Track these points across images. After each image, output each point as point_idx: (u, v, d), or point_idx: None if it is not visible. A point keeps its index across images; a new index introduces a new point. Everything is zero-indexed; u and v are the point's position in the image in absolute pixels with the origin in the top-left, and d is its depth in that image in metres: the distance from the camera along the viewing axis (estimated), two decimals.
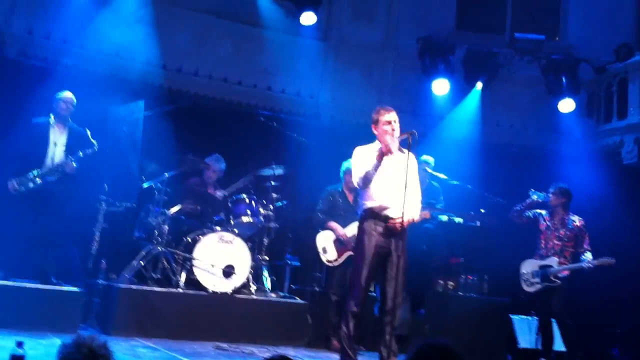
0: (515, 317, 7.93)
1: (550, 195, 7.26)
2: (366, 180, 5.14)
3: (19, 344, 3.13)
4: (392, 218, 5.12)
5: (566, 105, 9.85)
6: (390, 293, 5.07)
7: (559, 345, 7.21)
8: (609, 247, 7.31)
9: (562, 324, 7.00)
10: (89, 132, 6.57)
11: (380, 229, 5.14)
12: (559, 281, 7.01)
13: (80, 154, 6.47)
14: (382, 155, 5.08)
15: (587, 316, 8.17)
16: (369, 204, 5.21)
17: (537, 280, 7.13)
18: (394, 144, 5.13)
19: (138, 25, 8.35)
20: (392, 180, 5.18)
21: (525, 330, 7.84)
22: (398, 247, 5.11)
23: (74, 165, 6.46)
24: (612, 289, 8.33)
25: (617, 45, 10.12)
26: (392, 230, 5.12)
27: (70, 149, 6.54)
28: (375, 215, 5.16)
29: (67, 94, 6.69)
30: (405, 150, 5.22)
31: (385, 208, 5.15)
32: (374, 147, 5.30)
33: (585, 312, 8.07)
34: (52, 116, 6.62)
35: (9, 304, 5.74)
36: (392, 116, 5.26)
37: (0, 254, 6.33)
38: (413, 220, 5.27)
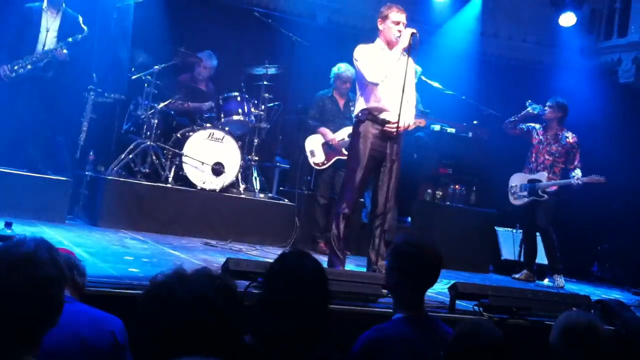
0: (499, 229, 8.02)
1: (547, 108, 7.19)
2: (381, 73, 4.99)
3: (8, 224, 3.09)
4: (389, 121, 5.04)
5: (567, 18, 9.59)
6: (382, 198, 5.05)
7: (541, 258, 7.34)
8: (599, 165, 7.33)
9: (546, 237, 7.10)
10: (81, 18, 6.31)
11: (376, 132, 5.06)
12: (546, 196, 7.05)
13: (70, 39, 6.25)
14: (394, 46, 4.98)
15: (571, 232, 8.29)
16: (368, 104, 5.10)
17: (524, 193, 7.18)
18: (401, 43, 5.00)
19: None
20: (391, 84, 5.07)
21: (509, 242, 7.96)
22: (393, 152, 5.05)
23: (65, 51, 6.25)
24: (599, 207, 8.42)
25: None
26: (388, 134, 5.05)
27: (62, 36, 6.30)
28: (373, 117, 5.07)
29: None
30: (405, 54, 5.08)
31: (383, 110, 5.07)
32: (376, 46, 5.15)
33: (570, 227, 8.18)
34: (45, 1, 6.34)
35: None
36: (402, 17, 5.10)
37: None
38: (409, 126, 5.21)
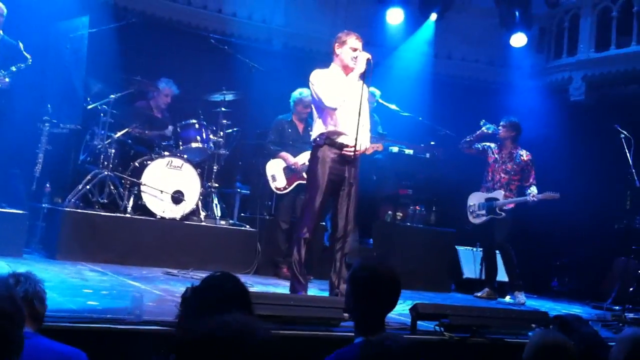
0: (460, 248, 8.11)
1: (500, 127, 7.34)
2: (339, 98, 5.02)
3: None
4: (347, 145, 5.08)
5: (518, 39, 9.86)
6: (342, 221, 5.06)
7: (501, 275, 7.44)
8: (552, 181, 7.47)
9: (505, 254, 7.22)
10: (21, 45, 6.22)
11: (334, 156, 5.09)
12: (503, 213, 7.18)
13: (13, 68, 6.15)
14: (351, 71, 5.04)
15: (529, 248, 8.43)
16: (326, 129, 5.14)
17: (482, 212, 7.30)
18: (358, 68, 5.06)
19: None
20: (348, 108, 5.10)
21: (469, 261, 8.04)
22: (351, 175, 5.08)
23: (7, 80, 6.15)
24: (554, 223, 8.57)
25: None
26: (346, 158, 5.09)
27: (2, 63, 6.20)
28: (331, 141, 5.10)
29: None
30: (360, 79, 5.15)
31: (341, 134, 5.10)
32: (332, 71, 5.20)
33: (528, 243, 8.32)
34: None
35: None
36: (360, 45, 5.15)
37: None
38: (366, 149, 5.26)
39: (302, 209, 5.47)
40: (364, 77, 5.11)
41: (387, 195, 7.80)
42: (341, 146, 5.09)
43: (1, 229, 5.76)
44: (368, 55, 5.07)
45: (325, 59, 9.54)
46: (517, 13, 9.94)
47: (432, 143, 7.97)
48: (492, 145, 7.44)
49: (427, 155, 7.87)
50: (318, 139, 5.17)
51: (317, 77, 5.17)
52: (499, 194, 7.23)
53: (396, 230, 7.65)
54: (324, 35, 9.82)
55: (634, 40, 9.07)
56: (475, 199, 7.41)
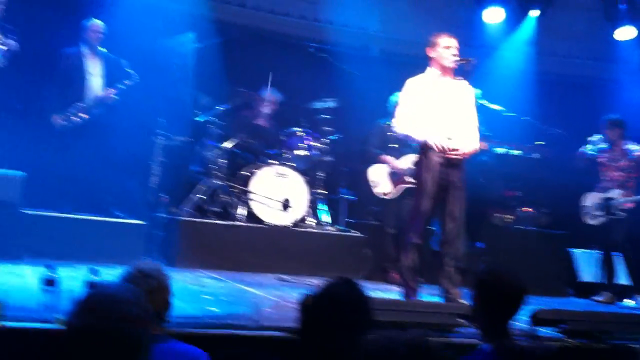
0: (575, 251, 7.81)
1: (606, 131, 7.07)
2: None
3: (94, 271, 3.13)
4: (452, 148, 4.99)
5: (625, 32, 9.46)
6: (451, 225, 5.00)
7: (621, 278, 7.12)
8: None
9: (627, 256, 6.90)
10: (125, 62, 6.46)
11: (440, 160, 5.00)
12: (623, 213, 6.87)
13: (121, 85, 6.40)
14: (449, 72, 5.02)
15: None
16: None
17: (600, 212, 7.01)
18: (451, 65, 5.03)
19: None
20: (450, 110, 5.05)
21: (586, 264, 7.73)
22: (458, 179, 5.01)
23: (115, 97, 6.40)
24: None
25: None
26: (452, 162, 5.01)
27: (106, 79, 6.46)
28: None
29: (95, 21, 6.55)
30: (461, 78, 5.07)
31: (445, 139, 5.01)
32: (425, 77, 5.13)
33: None
34: (82, 46, 6.50)
35: (73, 236, 5.81)
36: (453, 42, 5.07)
37: (63, 188, 6.36)
38: (474, 150, 5.14)
39: (410, 214, 5.41)
40: (466, 77, 5.03)
41: (495, 197, 7.62)
42: (445, 150, 5.00)
43: (122, 238, 6.01)
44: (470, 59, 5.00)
45: (421, 62, 9.55)
46: (622, 6, 9.55)
47: (541, 143, 7.73)
48: (601, 145, 7.16)
49: (536, 155, 7.65)
50: (422, 143, 5.09)
51: (405, 91, 5.14)
52: (616, 192, 6.93)
53: (506, 234, 7.46)
54: (420, 38, 9.73)
55: None
56: (590, 200, 7.12)
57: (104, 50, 6.54)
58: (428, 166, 5.02)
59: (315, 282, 6.02)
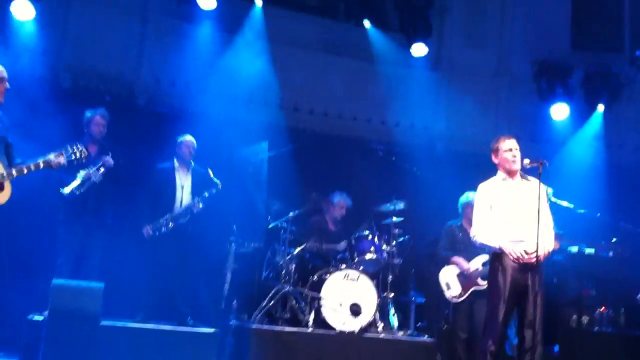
0: None
1: None
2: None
3: None
4: (527, 252, 4.98)
5: None
6: (529, 331, 4.93)
7: None
8: None
9: None
10: (210, 172, 6.80)
11: (514, 263, 5.00)
12: None
13: (206, 194, 6.71)
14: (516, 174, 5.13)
15: None
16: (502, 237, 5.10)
17: None
18: (516, 166, 5.15)
19: (256, 68, 8.63)
20: (523, 212, 5.08)
21: None
22: (535, 282, 4.95)
23: (201, 206, 6.71)
24: None
25: None
26: (528, 265, 4.98)
27: (195, 191, 6.79)
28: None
29: (189, 137, 6.97)
30: (532, 178, 5.13)
31: (520, 241, 5.02)
32: (496, 180, 5.21)
33: None
34: (175, 160, 6.90)
35: (146, 346, 5.94)
36: (512, 144, 5.20)
37: (137, 297, 6.62)
38: (549, 251, 5.11)
39: (486, 320, 5.36)
40: (539, 177, 5.08)
41: (570, 298, 7.44)
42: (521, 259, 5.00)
43: (194, 347, 6.11)
44: (543, 161, 5.07)
45: (487, 160, 9.61)
46: None
47: (614, 240, 7.58)
48: None
49: (610, 253, 7.49)
50: (497, 248, 5.12)
51: (477, 202, 5.28)
52: None
53: (584, 336, 7.23)
54: (486, 136, 9.86)
55: None
56: None
57: (194, 164, 6.92)
58: (503, 270, 5.04)
59: None
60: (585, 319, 7.32)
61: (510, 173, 5.18)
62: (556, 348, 7.27)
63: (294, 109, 9.19)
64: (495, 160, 5.27)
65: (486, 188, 5.23)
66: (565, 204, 7.61)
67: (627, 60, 10.16)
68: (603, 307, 7.46)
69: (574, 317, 7.35)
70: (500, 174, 5.24)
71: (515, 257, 4.98)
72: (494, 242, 5.09)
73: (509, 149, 5.18)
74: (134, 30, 8.49)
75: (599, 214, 7.69)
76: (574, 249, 7.45)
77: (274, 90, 8.93)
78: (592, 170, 9.22)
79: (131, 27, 8.46)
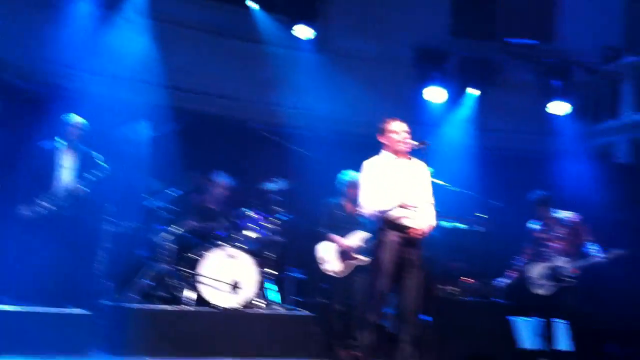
0: (515, 319, 7.97)
1: (536, 209, 7.39)
2: (380, 216, 5.22)
3: None
4: (410, 227, 5.17)
5: (559, 107, 10.00)
6: (409, 304, 5.14)
7: (562, 344, 7.30)
8: (604, 245, 7.34)
9: (574, 323, 7.08)
10: (98, 156, 6.66)
11: (398, 238, 5.17)
12: (572, 280, 7.09)
13: (92, 178, 6.57)
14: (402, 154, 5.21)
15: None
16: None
17: (547, 282, 7.20)
18: (403, 148, 5.29)
19: (138, 46, 8.48)
20: (408, 190, 5.24)
21: (525, 331, 7.89)
22: (416, 257, 5.17)
23: (86, 189, 6.56)
24: (602, 287, 8.37)
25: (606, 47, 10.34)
26: (410, 240, 5.18)
27: (79, 173, 6.63)
28: (393, 225, 5.19)
29: (77, 118, 6.77)
30: (415, 159, 5.34)
31: (403, 217, 5.19)
32: (381, 159, 5.37)
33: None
34: (59, 140, 6.71)
35: (18, 328, 5.77)
36: (401, 126, 5.34)
37: (11, 279, 6.39)
38: (431, 227, 5.33)
39: (368, 293, 5.53)
40: (420, 156, 5.29)
41: (442, 271, 7.81)
42: (405, 228, 5.18)
43: (66, 329, 5.96)
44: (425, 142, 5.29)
45: (369, 141, 9.86)
46: (557, 83, 10.11)
47: (484, 216, 8.01)
48: (534, 226, 7.44)
49: (481, 228, 7.91)
50: (381, 223, 5.25)
51: (364, 173, 5.35)
52: (562, 260, 7.17)
53: (453, 306, 7.63)
54: (369, 118, 10.12)
55: None
56: (536, 270, 7.31)
57: (79, 145, 6.74)
58: (386, 245, 5.17)
59: None
60: (454, 290, 7.71)
61: (397, 153, 5.32)
62: (428, 318, 7.64)
63: (177, 89, 9.10)
64: (382, 140, 5.37)
65: (372, 165, 5.35)
66: (440, 182, 8.00)
67: (500, 48, 10.72)
68: (471, 279, 7.88)
69: (445, 288, 7.72)
70: (386, 153, 5.36)
71: (410, 206, 5.11)
72: (387, 205, 5.15)
73: (397, 131, 5.32)
74: (10, 7, 8.13)
75: (470, 192, 8.13)
76: (447, 224, 7.80)
77: (156, 70, 8.80)
78: (465, 151, 9.67)
79: (7, 5, 8.10)
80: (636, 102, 9.63)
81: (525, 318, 8.03)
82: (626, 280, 8.25)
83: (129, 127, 7.74)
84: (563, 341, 7.30)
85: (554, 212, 7.37)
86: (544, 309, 7.39)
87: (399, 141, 5.27)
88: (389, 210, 5.16)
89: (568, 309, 7.12)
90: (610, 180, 9.32)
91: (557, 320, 7.28)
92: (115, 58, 8.44)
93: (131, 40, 8.53)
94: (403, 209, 5.17)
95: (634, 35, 10.72)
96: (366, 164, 5.40)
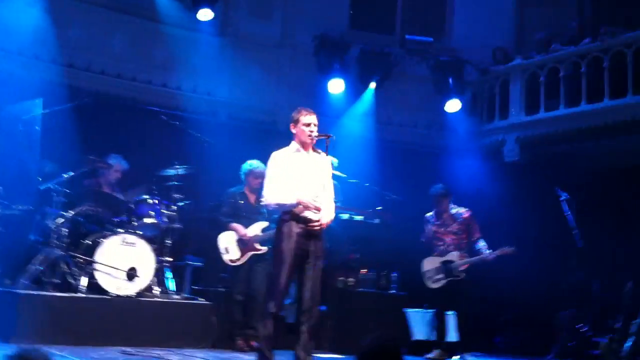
0: (409, 310, 8.26)
1: (435, 202, 7.65)
2: (280, 209, 5.27)
3: None
4: (311, 220, 5.23)
5: (452, 105, 10.38)
6: (308, 294, 5.17)
7: (451, 335, 7.65)
8: (493, 241, 7.69)
9: (463, 315, 7.41)
10: None
11: (299, 230, 5.21)
12: (463, 274, 7.39)
13: None
14: (299, 203, 5.21)
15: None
16: None
17: (440, 276, 7.46)
18: (310, 140, 5.32)
19: (31, 20, 8.01)
20: (311, 182, 5.29)
21: (419, 323, 8.21)
22: (317, 249, 5.22)
23: None
24: (497, 280, 8.85)
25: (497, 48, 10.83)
26: (311, 232, 5.23)
27: None
28: (295, 217, 5.22)
29: None
30: (321, 152, 5.39)
31: (304, 210, 5.22)
32: (289, 150, 5.40)
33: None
34: None
35: None
36: (312, 119, 5.35)
37: None
38: (331, 220, 5.40)
39: (269, 284, 5.57)
40: (326, 149, 5.35)
41: (339, 261, 7.95)
42: (306, 221, 5.23)
43: None
44: (329, 135, 5.34)
45: (271, 128, 9.84)
46: (450, 80, 10.48)
47: (380, 208, 8.22)
48: (429, 214, 7.72)
49: (377, 220, 8.11)
50: (283, 214, 5.30)
51: (271, 165, 5.36)
52: (454, 255, 7.45)
53: (348, 296, 7.81)
54: (269, 105, 10.14)
55: (561, 103, 9.69)
56: (430, 264, 7.57)
57: None
58: (288, 236, 5.20)
59: (161, 354, 6.02)
60: (351, 281, 7.88)
61: (304, 145, 5.34)
62: (323, 307, 7.77)
63: (70, 66, 8.68)
64: (293, 130, 5.38)
65: (279, 157, 5.36)
66: (339, 174, 8.12)
67: (398, 43, 10.97)
68: (366, 270, 8.08)
69: (341, 279, 7.88)
70: (294, 144, 5.37)
71: (313, 206, 5.14)
72: (290, 199, 5.18)
73: (308, 123, 5.32)
74: None
75: (367, 184, 8.32)
76: (345, 215, 7.95)
77: (48, 45, 8.36)
78: (364, 143, 9.84)
79: None
80: (524, 103, 10.13)
81: (420, 310, 8.34)
82: (512, 275, 8.72)
83: (19, 105, 7.33)
84: (453, 333, 7.65)
85: (451, 207, 7.67)
86: (436, 301, 7.71)
87: (308, 134, 5.31)
88: (290, 205, 5.21)
89: (458, 302, 7.45)
90: (499, 178, 9.79)
91: (448, 312, 7.62)
92: (7, 31, 7.92)
93: (24, 12, 8.02)
94: (307, 198, 5.21)
95: (523, 38, 11.30)
96: (274, 155, 5.41)
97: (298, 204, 5.18)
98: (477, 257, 7.46)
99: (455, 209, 7.67)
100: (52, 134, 7.25)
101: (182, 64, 9.55)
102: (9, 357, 2.62)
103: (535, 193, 9.35)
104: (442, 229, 7.63)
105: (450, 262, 7.47)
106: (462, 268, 7.43)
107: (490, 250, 7.40)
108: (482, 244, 7.48)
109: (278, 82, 10.34)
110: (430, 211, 7.79)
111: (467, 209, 7.66)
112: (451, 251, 7.51)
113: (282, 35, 10.49)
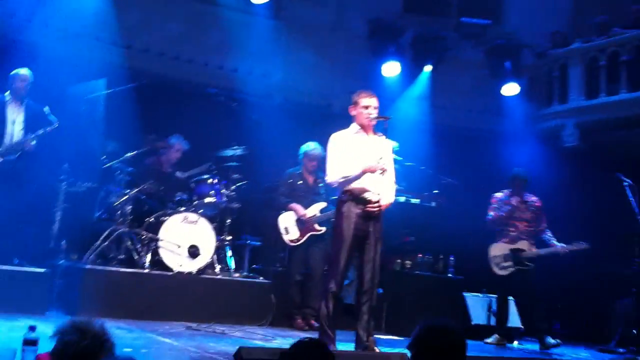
0: (468, 295, 8.20)
1: (510, 185, 7.51)
2: (345, 183, 5.22)
3: (32, 328, 3.11)
4: (370, 201, 5.21)
5: (509, 88, 10.22)
6: (368, 275, 5.17)
7: (513, 321, 7.56)
8: (550, 228, 7.54)
9: (536, 303, 7.27)
10: (47, 110, 6.43)
11: (359, 211, 5.20)
12: (531, 264, 7.25)
13: (40, 131, 6.34)
14: (364, 171, 5.16)
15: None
16: (349, 185, 5.28)
17: (509, 264, 7.30)
18: (368, 123, 5.29)
19: (92, 2, 8.16)
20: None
21: (477, 307, 8.13)
22: (376, 230, 5.19)
23: (33, 143, 6.33)
24: (551, 267, 8.70)
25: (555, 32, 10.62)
26: (370, 214, 5.21)
27: (28, 127, 6.41)
28: (355, 198, 5.22)
29: (23, 71, 6.55)
30: (381, 134, 5.36)
31: (365, 191, 5.22)
32: (349, 132, 5.38)
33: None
34: (7, 93, 6.45)
35: None
36: (372, 101, 5.33)
37: None
38: (390, 203, 5.38)
39: (329, 263, 5.59)
40: (384, 131, 5.32)
41: (395, 244, 7.92)
42: (365, 202, 5.21)
43: (23, 287, 5.82)
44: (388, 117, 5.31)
45: (326, 112, 9.83)
46: (507, 64, 10.32)
47: (436, 192, 8.16)
48: (500, 195, 7.54)
49: (433, 203, 8.05)
50: (342, 195, 5.29)
51: (332, 146, 5.33)
52: (525, 244, 7.29)
53: (404, 279, 7.78)
54: (323, 89, 10.14)
55: (622, 88, 9.46)
56: (498, 250, 7.40)
57: (28, 99, 6.50)
58: (347, 217, 5.20)
59: (225, 330, 6.09)
60: (407, 264, 7.85)
61: (364, 127, 5.33)
62: (380, 290, 7.76)
63: (129, 47, 8.83)
64: (352, 112, 5.37)
65: (340, 137, 5.36)
66: (395, 157, 8.07)
67: (453, 26, 10.84)
68: (423, 254, 8.03)
69: (398, 261, 7.85)
70: (355, 126, 5.36)
71: (379, 167, 5.08)
72: (354, 171, 5.15)
73: (367, 105, 5.31)
74: None
75: (423, 168, 8.25)
76: (402, 198, 7.90)
77: (108, 27, 8.50)
78: (419, 127, 9.75)
79: None
80: (584, 88, 9.92)
81: (479, 295, 8.26)
82: (571, 262, 8.56)
83: (83, 85, 7.48)
84: (514, 319, 7.56)
85: (526, 195, 7.51)
86: (500, 288, 7.58)
87: (366, 116, 5.28)
88: (355, 177, 5.17)
89: (521, 290, 7.33)
90: (557, 163, 9.60)
91: (509, 298, 7.52)
92: (69, 14, 8.07)
93: None
94: (367, 179, 5.18)
95: (580, 22, 11.05)
96: (334, 136, 5.40)
97: (363, 172, 5.14)
98: (549, 249, 7.26)
99: (529, 197, 7.51)
100: (115, 114, 7.38)
101: (238, 46, 9.58)
102: (59, 328, 2.66)
103: (596, 178, 9.14)
104: (516, 215, 7.44)
105: (520, 250, 7.29)
106: (531, 257, 7.27)
107: (563, 245, 7.20)
108: (549, 234, 7.33)
109: (332, 66, 10.32)
110: (498, 192, 7.59)
111: (537, 198, 7.50)
112: (522, 239, 7.34)
113: (336, 20, 10.47)
